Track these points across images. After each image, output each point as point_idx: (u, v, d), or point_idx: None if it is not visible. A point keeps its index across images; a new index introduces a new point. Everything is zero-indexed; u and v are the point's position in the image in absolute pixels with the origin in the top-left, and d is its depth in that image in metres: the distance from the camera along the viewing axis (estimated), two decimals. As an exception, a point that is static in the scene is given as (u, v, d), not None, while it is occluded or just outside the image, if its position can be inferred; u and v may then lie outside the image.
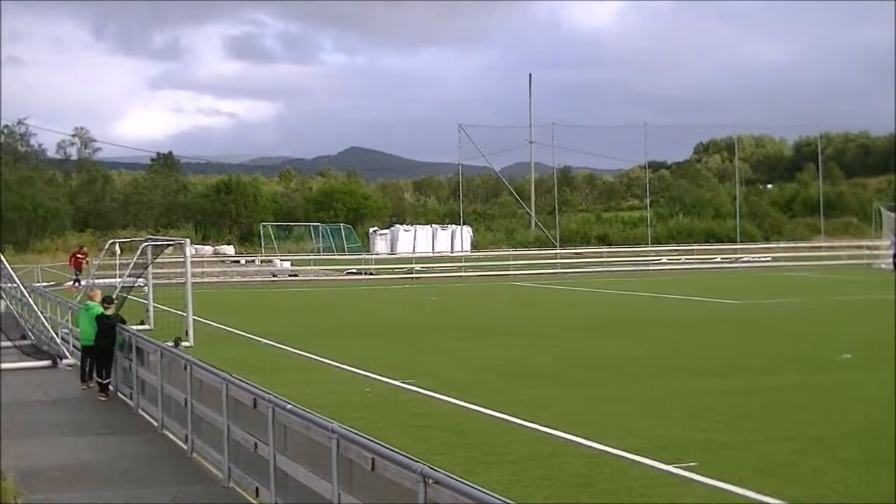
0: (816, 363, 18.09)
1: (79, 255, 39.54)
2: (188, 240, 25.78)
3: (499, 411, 13.50)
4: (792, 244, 63.70)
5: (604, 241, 65.31)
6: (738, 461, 10.62)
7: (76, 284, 35.98)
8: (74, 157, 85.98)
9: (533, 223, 71.33)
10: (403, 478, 6.25)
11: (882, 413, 13.24)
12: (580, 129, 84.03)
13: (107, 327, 15.97)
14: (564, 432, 12.03)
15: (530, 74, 75.51)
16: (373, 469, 6.70)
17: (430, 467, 5.99)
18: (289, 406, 8.45)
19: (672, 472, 10.16)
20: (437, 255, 59.40)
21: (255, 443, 9.27)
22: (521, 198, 72.70)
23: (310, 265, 54.12)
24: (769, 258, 59.30)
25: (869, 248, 56.06)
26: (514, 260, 54.61)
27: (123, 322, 16.55)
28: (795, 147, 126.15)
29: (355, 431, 7.21)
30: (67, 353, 19.77)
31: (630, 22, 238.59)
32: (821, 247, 61.88)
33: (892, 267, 48.52)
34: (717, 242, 63.24)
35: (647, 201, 70.24)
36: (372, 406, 14.44)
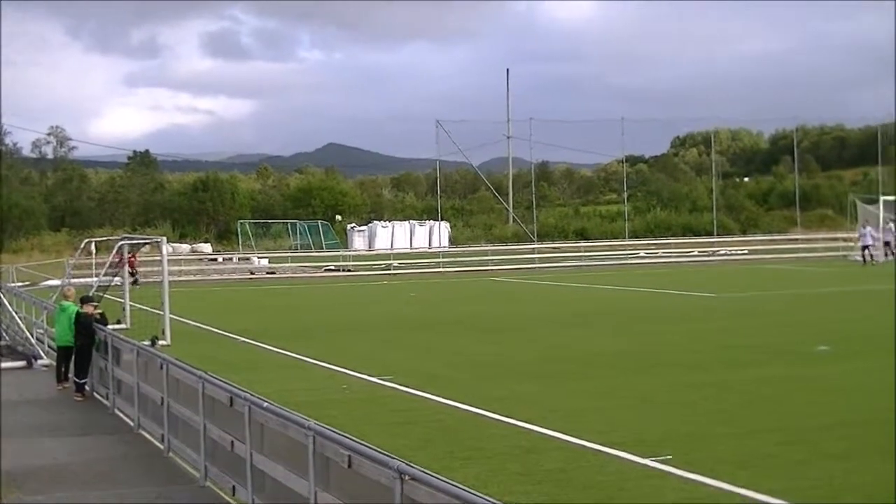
0: (795, 355, 18.12)
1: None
2: (164, 238, 25.68)
3: (477, 407, 13.49)
4: (769, 237, 63.92)
5: (582, 235, 65.43)
6: (717, 454, 10.64)
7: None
8: (50, 156, 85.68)
9: (511, 218, 71.38)
10: (380, 475, 6.22)
11: (863, 404, 13.31)
12: (558, 124, 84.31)
13: (84, 327, 15.87)
14: (544, 427, 12.03)
15: (508, 69, 75.49)
16: (349, 466, 6.68)
17: (407, 464, 5.96)
18: (265, 404, 8.41)
19: (649, 466, 10.16)
20: (414, 251, 59.36)
21: (232, 441, 9.23)
22: (499, 193, 72.72)
23: (287, 262, 54.02)
24: (746, 251, 59.53)
25: (844, 240, 56.29)
26: (491, 255, 54.62)
27: (106, 322, 16.46)
28: (772, 140, 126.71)
29: (332, 428, 7.18)
30: (42, 354, 19.65)
31: (608, 16, 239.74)
32: (797, 239, 62.11)
33: (860, 258, 48.84)
34: (695, 236, 63.36)
35: (625, 195, 70.34)
36: (349, 403, 14.41)
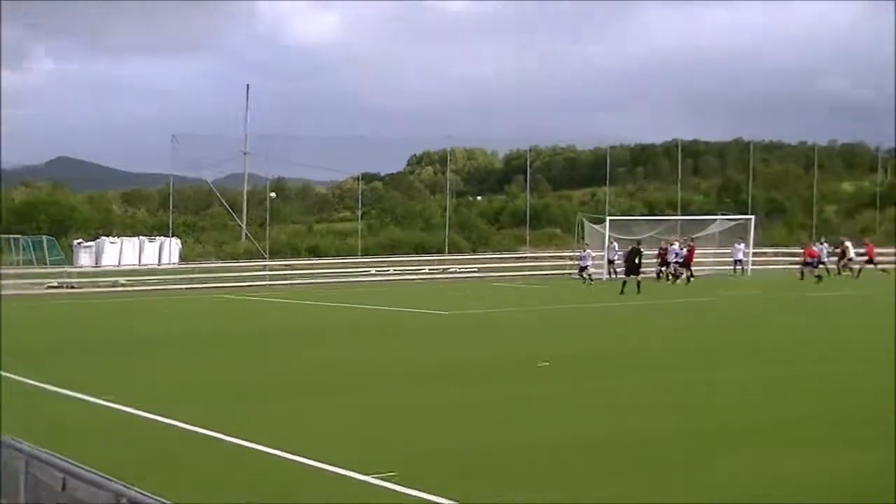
0: (515, 373, 18.65)
1: None
2: None
3: (201, 427, 13.32)
4: (498, 255, 65.57)
5: (314, 252, 65.36)
6: (438, 471, 10.85)
7: None
8: None
9: (244, 235, 70.66)
10: (97, 498, 6.12)
11: (568, 421, 13.86)
12: (295, 140, 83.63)
13: None
14: (268, 447, 11.98)
15: (248, 85, 74.88)
16: (63, 489, 6.54)
17: (125, 486, 5.90)
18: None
19: (371, 483, 10.28)
20: (143, 267, 58.02)
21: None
22: (234, 210, 71.88)
23: (9, 279, 51.76)
24: (476, 269, 60.96)
25: (571, 258, 58.37)
26: (222, 272, 54.04)
27: None
28: (506, 160, 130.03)
29: (45, 450, 7.00)
30: None
31: (348, 35, 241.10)
32: (526, 257, 64.02)
33: (580, 277, 50.92)
34: (427, 254, 64.34)
35: (359, 213, 70.77)
36: (68, 426, 13.97)
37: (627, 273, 42.44)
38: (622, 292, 40.16)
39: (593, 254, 53.47)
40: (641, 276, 42.56)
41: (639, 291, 40.25)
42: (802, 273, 50.23)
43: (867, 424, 13.14)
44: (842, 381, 17.20)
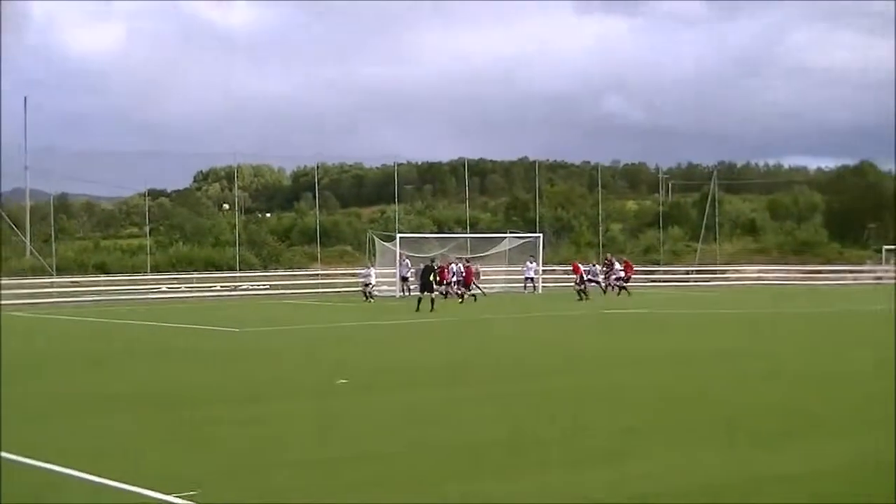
0: (313, 389, 18.61)
1: None
2: None
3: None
4: (290, 272, 65.26)
5: (102, 269, 63.67)
6: (239, 488, 10.71)
7: None
8: None
9: (28, 251, 68.23)
10: None
11: (380, 434, 13.90)
12: (79, 156, 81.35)
13: None
14: (65, 467, 11.58)
15: (25, 98, 72.25)
16: None
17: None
18: None
19: (172, 502, 10.08)
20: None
21: None
22: (17, 225, 69.33)
23: None
24: (268, 286, 60.56)
25: (363, 275, 58.47)
26: (6, 289, 52.05)
27: None
28: (294, 177, 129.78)
29: None
30: None
31: (129, 49, 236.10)
32: (318, 274, 63.92)
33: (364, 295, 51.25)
34: (217, 270, 63.51)
35: (147, 229, 69.33)
36: None
37: (422, 290, 42.80)
38: (417, 309, 40.49)
39: (375, 271, 53.83)
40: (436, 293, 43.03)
41: (432, 309, 40.65)
42: (579, 292, 51.43)
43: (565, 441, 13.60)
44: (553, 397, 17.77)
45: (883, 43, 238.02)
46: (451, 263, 50.05)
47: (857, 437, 13.53)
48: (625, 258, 60.84)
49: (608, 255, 58.79)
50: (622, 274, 55.69)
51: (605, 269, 55.86)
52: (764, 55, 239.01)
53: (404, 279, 54.51)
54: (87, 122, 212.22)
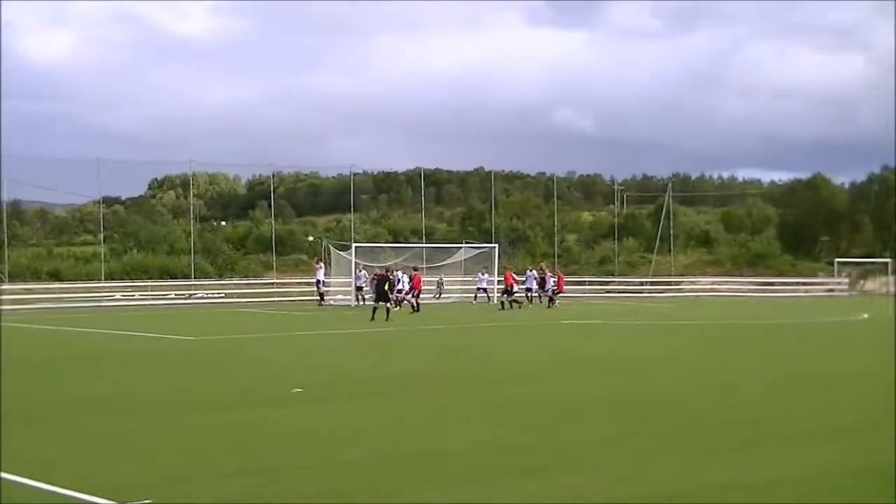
0: (268, 398, 18.55)
1: None
2: None
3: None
4: (245, 281, 65.06)
5: (55, 276, 63.19)
6: (192, 497, 10.66)
7: None
8: None
9: (-21, 258, 67.64)
10: None
11: (326, 446, 13.89)
12: (32, 162, 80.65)
13: None
14: (16, 475, 11.46)
15: (-24, 102, 71.58)
16: None
17: None
18: None
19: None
20: None
21: None
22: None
23: None
24: (223, 294, 60.34)
25: (324, 283, 58.28)
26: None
27: None
28: (249, 185, 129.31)
29: None
30: None
31: (82, 56, 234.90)
32: (273, 283, 63.77)
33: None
34: (172, 279, 63.20)
35: (102, 237, 68.85)
36: None
37: (377, 300, 42.76)
38: (372, 318, 40.46)
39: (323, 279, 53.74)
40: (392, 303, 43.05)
41: (387, 318, 40.62)
42: (503, 302, 51.52)
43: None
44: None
45: (835, 59, 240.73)
46: (395, 272, 49.88)
47: (817, 444, 13.68)
48: (558, 271, 61.16)
49: (542, 266, 58.84)
50: (555, 286, 55.89)
51: (538, 280, 55.97)
52: (718, 70, 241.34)
53: (359, 289, 54.46)
54: (40, 128, 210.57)
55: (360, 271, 54.88)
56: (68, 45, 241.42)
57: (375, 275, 46.18)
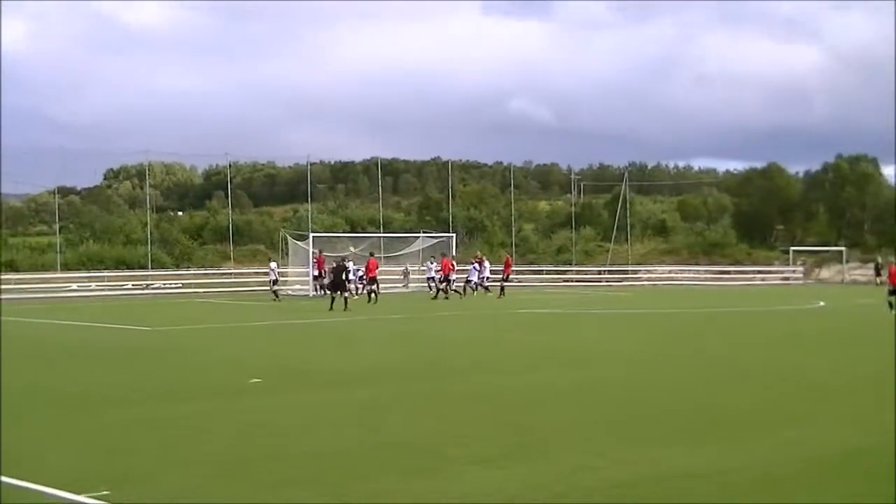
0: (226, 389, 18.49)
1: None
2: None
3: None
4: (202, 271, 64.79)
5: (10, 267, 62.66)
6: (152, 489, 10.62)
7: None
8: None
9: (-68, 248, 66.96)
10: None
11: (286, 437, 13.88)
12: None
13: None
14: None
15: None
16: None
17: None
18: None
19: (83, 503, 9.99)
20: None
21: None
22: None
23: None
24: (180, 284, 60.08)
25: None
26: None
27: None
28: (205, 175, 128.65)
29: None
30: None
31: (34, 45, 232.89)
32: (230, 273, 63.56)
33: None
34: (129, 269, 62.83)
35: (57, 227, 68.31)
36: None
37: (334, 289, 42.71)
38: (331, 308, 40.41)
39: (277, 270, 53.32)
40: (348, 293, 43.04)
41: (346, 308, 40.60)
42: (438, 291, 51.62)
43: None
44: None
45: (788, 48, 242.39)
46: (346, 262, 49.75)
47: (774, 433, 13.81)
48: (506, 255, 61.07)
49: (478, 254, 58.28)
50: (488, 274, 55.80)
51: (475, 268, 55.16)
52: (673, 59, 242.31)
53: (316, 278, 54.33)
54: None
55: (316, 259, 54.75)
56: (23, 33, 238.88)
57: (333, 266, 46.00)
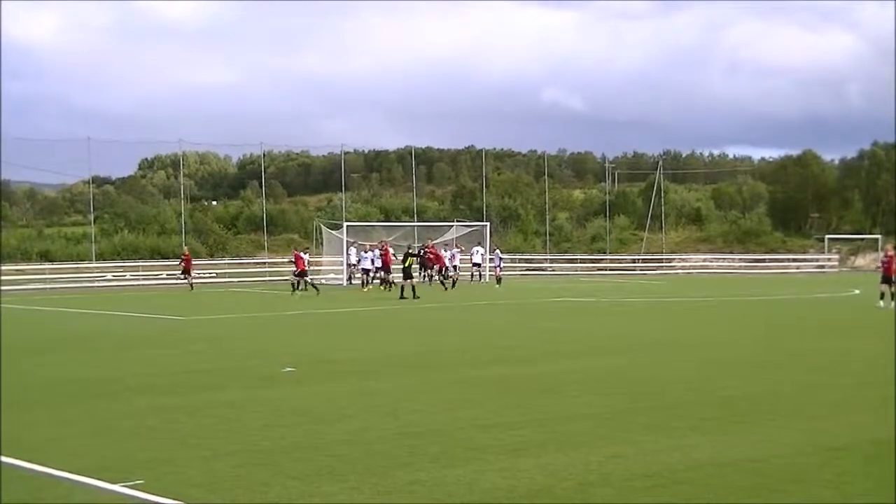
0: (259, 378, 18.55)
1: None
2: None
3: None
4: (236, 260, 65.05)
5: (46, 257, 63.15)
6: (185, 477, 10.67)
7: None
8: None
9: (-30, 239, 67.54)
10: None
11: (318, 426, 13.91)
12: (20, 142, 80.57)
13: None
14: (7, 456, 11.47)
15: (-35, 83, 71.38)
16: None
17: None
18: None
19: (118, 492, 10.04)
20: None
21: None
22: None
23: None
24: (214, 274, 60.34)
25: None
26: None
27: None
28: (239, 165, 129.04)
29: None
30: None
31: (68, 37, 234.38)
32: (265, 263, 63.77)
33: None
34: (163, 259, 63.17)
35: (92, 217, 68.74)
36: None
37: (405, 278, 42.77)
38: (402, 297, 40.69)
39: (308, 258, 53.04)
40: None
41: (415, 296, 40.84)
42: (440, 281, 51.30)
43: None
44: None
45: (819, 38, 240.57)
46: (366, 250, 49.52)
47: (805, 422, 13.72)
48: (494, 245, 60.64)
49: (428, 243, 54.39)
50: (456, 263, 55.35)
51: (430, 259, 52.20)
52: (706, 49, 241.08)
53: (350, 266, 54.45)
54: (29, 109, 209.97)
55: (350, 249, 54.83)
56: (57, 24, 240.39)
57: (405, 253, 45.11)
